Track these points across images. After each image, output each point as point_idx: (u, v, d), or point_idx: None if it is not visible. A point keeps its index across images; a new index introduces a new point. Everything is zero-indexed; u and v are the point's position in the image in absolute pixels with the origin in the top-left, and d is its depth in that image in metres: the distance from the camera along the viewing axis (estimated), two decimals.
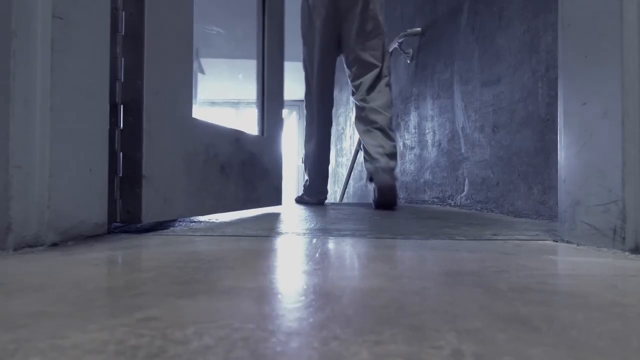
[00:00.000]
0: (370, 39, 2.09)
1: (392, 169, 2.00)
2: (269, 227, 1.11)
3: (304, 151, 2.40)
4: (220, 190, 1.37)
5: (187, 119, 1.18)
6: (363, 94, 2.10)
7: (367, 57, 2.09)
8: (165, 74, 1.07)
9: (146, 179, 0.99)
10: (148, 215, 1.00)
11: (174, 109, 1.12)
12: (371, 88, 2.09)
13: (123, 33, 0.98)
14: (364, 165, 2.14)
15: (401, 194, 2.81)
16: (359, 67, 2.11)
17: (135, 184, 0.98)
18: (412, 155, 2.64)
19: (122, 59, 0.98)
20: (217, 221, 1.27)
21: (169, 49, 1.09)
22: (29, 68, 0.72)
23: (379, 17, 2.10)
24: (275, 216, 1.48)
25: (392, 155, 2.02)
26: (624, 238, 0.72)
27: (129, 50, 0.98)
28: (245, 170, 1.55)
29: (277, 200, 1.89)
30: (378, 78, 2.10)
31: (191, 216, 1.26)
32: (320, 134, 2.30)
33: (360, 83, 2.12)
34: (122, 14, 0.97)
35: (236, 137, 1.48)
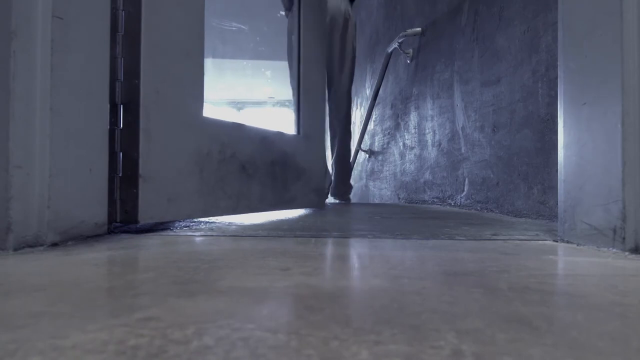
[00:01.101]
0: (345, 60, 2.53)
1: (345, 193, 2.76)
2: (270, 227, 1.11)
3: None
4: (242, 190, 1.31)
5: (196, 117, 1.15)
6: (335, 122, 2.59)
7: (343, 78, 2.55)
8: (167, 72, 1.06)
9: (143, 178, 0.99)
10: (146, 216, 0.99)
11: (180, 107, 1.10)
12: (344, 120, 2.59)
13: (122, 33, 0.98)
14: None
15: (401, 194, 2.81)
16: (335, 91, 2.57)
17: (133, 183, 0.98)
18: (412, 155, 2.64)
19: (122, 59, 0.98)
20: (224, 222, 1.27)
21: (173, 46, 1.08)
22: (29, 68, 0.72)
23: (354, 41, 2.56)
24: (289, 216, 1.48)
25: (349, 189, 2.77)
26: (624, 238, 0.72)
27: (127, 50, 0.98)
28: (276, 170, 1.48)
29: (317, 202, 1.77)
30: (348, 107, 2.59)
31: (205, 217, 1.22)
32: None
33: (332, 108, 2.58)
34: (122, 14, 0.97)
35: (262, 135, 1.42)
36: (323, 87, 1.90)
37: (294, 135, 1.68)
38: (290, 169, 1.58)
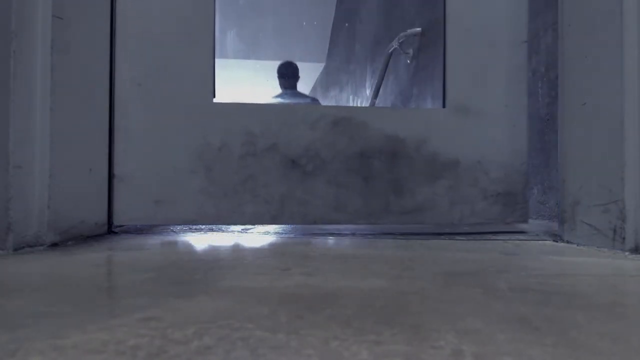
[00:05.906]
0: None
1: None
2: (270, 226, 1.11)
3: None
4: (290, 193, 1.02)
5: (200, 106, 1.00)
6: None
7: None
8: (152, 62, 0.97)
9: (119, 178, 0.95)
10: (125, 218, 0.95)
11: (175, 98, 0.98)
12: None
13: None
14: None
15: None
16: None
17: (110, 184, 0.95)
18: None
19: None
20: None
21: (161, 33, 0.98)
22: (29, 68, 0.72)
23: None
24: None
25: None
26: (624, 238, 0.72)
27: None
28: (372, 165, 1.05)
29: (497, 214, 1.08)
30: None
31: (220, 224, 1.02)
32: None
33: None
34: None
35: (335, 117, 1.04)
36: (523, 17, 1.18)
37: (430, 109, 1.17)
38: (409, 162, 1.07)
